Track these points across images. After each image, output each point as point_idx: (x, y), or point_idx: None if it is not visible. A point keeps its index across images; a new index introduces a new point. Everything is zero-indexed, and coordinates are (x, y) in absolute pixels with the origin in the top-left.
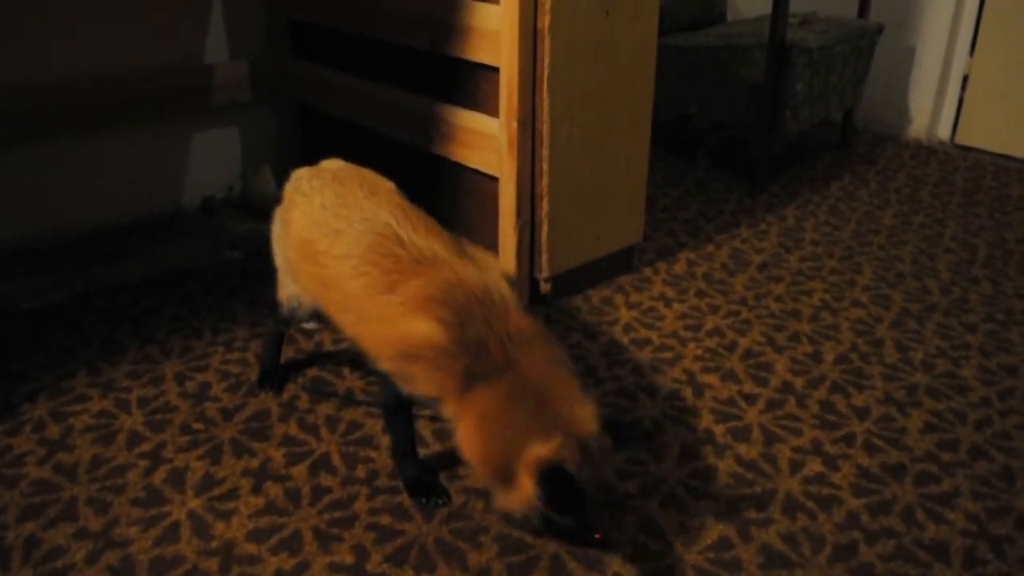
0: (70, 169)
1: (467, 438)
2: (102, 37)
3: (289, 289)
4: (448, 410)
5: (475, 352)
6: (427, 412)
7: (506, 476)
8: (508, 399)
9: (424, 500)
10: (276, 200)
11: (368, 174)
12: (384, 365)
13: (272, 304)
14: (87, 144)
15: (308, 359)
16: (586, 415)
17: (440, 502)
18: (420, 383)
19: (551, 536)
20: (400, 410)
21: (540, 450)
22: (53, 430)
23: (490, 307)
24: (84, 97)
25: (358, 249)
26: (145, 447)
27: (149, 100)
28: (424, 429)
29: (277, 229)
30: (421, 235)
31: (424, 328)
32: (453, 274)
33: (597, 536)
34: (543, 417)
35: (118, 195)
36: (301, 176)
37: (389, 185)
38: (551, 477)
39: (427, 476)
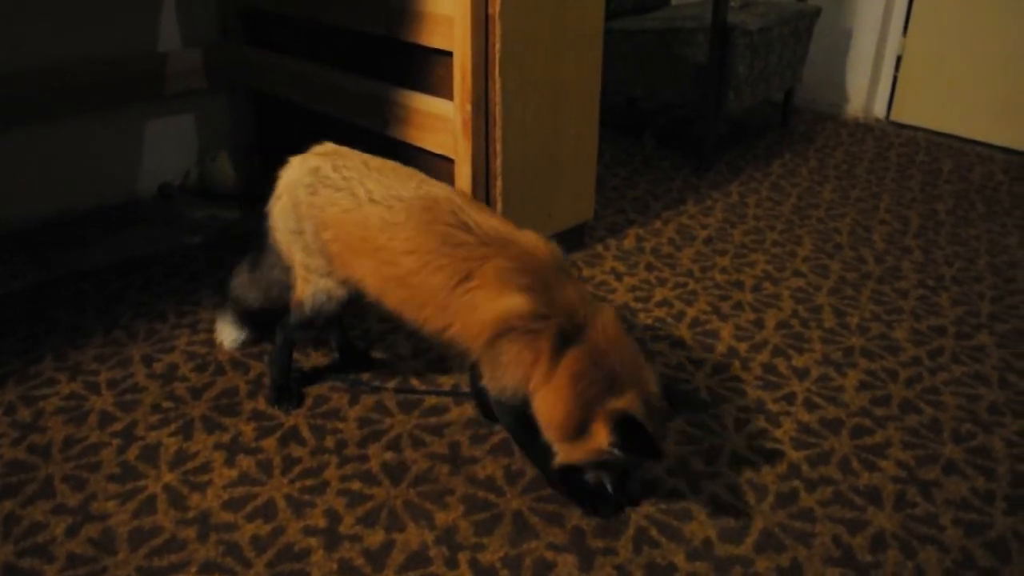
0: (25, 158)
1: (553, 399)
2: (55, 26)
3: (317, 285)
4: (535, 380)
5: (565, 312)
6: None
7: (581, 429)
8: (593, 359)
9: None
10: (234, 186)
11: (389, 161)
12: (477, 353)
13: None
14: (41, 133)
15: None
16: (650, 376)
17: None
18: (512, 361)
19: (584, 501)
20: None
21: (616, 403)
22: (24, 413)
23: (562, 273)
24: (37, 86)
25: (429, 243)
26: (117, 426)
27: (103, 88)
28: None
29: (294, 226)
30: (483, 216)
31: (509, 301)
32: (522, 248)
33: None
34: (619, 375)
35: (74, 183)
36: (315, 167)
37: (417, 171)
38: (625, 424)
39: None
